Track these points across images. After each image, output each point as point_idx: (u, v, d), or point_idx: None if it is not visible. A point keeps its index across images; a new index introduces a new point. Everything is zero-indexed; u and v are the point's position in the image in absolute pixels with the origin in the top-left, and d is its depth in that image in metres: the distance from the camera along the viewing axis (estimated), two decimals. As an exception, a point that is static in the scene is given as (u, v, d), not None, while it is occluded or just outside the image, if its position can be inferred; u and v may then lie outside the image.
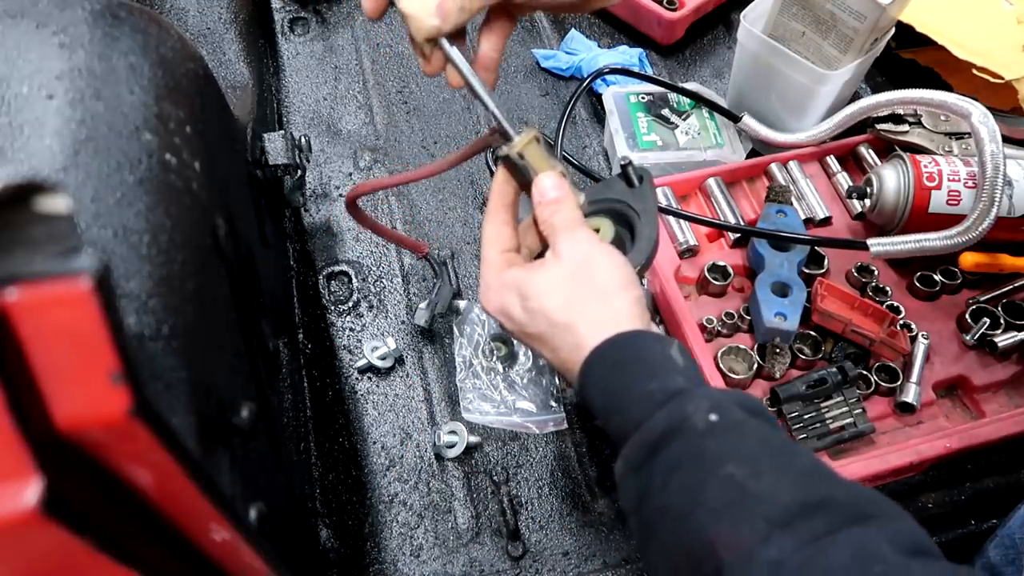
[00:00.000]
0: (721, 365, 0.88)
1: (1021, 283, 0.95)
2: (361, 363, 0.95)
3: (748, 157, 1.09)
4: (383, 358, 0.94)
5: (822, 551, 0.42)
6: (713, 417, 0.49)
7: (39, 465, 0.25)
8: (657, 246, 0.66)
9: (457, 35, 0.65)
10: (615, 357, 0.56)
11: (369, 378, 0.95)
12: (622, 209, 0.68)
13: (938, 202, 0.92)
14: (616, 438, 0.54)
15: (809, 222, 1.01)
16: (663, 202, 0.99)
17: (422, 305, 0.97)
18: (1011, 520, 0.73)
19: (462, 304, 0.99)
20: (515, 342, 0.96)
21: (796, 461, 0.48)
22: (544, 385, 0.94)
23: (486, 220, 0.68)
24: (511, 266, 0.65)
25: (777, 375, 0.88)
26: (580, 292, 0.59)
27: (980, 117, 0.84)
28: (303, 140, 0.97)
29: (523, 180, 0.67)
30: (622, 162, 0.70)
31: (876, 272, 0.96)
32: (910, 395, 0.87)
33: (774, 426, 0.53)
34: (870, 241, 0.90)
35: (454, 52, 0.64)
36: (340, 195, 1.11)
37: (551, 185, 0.65)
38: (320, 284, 1.03)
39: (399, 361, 0.96)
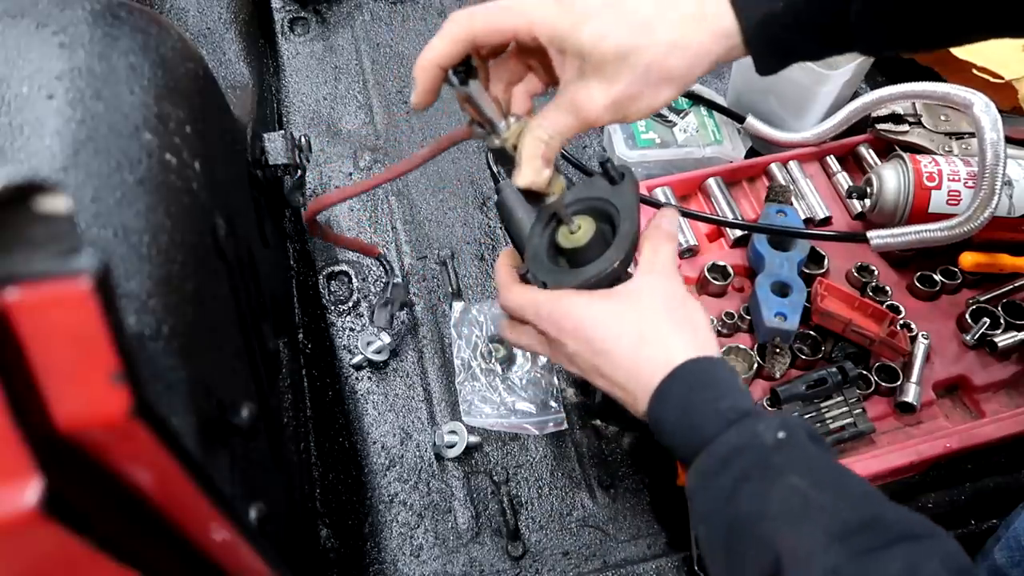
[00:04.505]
0: (721, 365, 0.88)
1: (1021, 283, 0.95)
2: (357, 359, 0.95)
3: (748, 156, 1.09)
4: (378, 351, 0.94)
5: (877, 562, 0.45)
6: (781, 435, 0.53)
7: (39, 465, 0.25)
8: (636, 242, 0.66)
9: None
10: (693, 379, 0.59)
11: (369, 378, 0.95)
12: (604, 207, 0.68)
13: (938, 202, 0.92)
14: (684, 452, 0.58)
15: (809, 222, 1.01)
16: (663, 201, 0.99)
17: (377, 306, 0.97)
18: (1016, 522, 0.72)
19: (459, 306, 0.99)
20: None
21: (852, 482, 0.52)
22: (543, 386, 0.94)
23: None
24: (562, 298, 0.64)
25: (777, 375, 0.88)
26: (655, 327, 0.62)
27: (982, 107, 0.84)
28: (303, 140, 0.97)
29: (511, 169, 0.65)
30: (601, 160, 0.70)
31: (876, 272, 0.96)
32: (910, 395, 0.87)
33: (830, 452, 0.57)
34: (870, 233, 0.89)
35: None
36: (340, 195, 1.11)
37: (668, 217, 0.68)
38: (320, 284, 1.03)
39: (394, 354, 0.96)
